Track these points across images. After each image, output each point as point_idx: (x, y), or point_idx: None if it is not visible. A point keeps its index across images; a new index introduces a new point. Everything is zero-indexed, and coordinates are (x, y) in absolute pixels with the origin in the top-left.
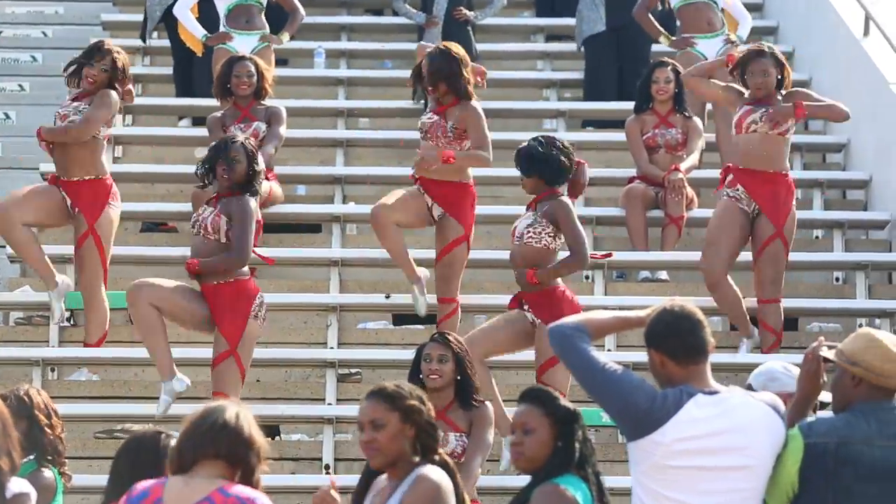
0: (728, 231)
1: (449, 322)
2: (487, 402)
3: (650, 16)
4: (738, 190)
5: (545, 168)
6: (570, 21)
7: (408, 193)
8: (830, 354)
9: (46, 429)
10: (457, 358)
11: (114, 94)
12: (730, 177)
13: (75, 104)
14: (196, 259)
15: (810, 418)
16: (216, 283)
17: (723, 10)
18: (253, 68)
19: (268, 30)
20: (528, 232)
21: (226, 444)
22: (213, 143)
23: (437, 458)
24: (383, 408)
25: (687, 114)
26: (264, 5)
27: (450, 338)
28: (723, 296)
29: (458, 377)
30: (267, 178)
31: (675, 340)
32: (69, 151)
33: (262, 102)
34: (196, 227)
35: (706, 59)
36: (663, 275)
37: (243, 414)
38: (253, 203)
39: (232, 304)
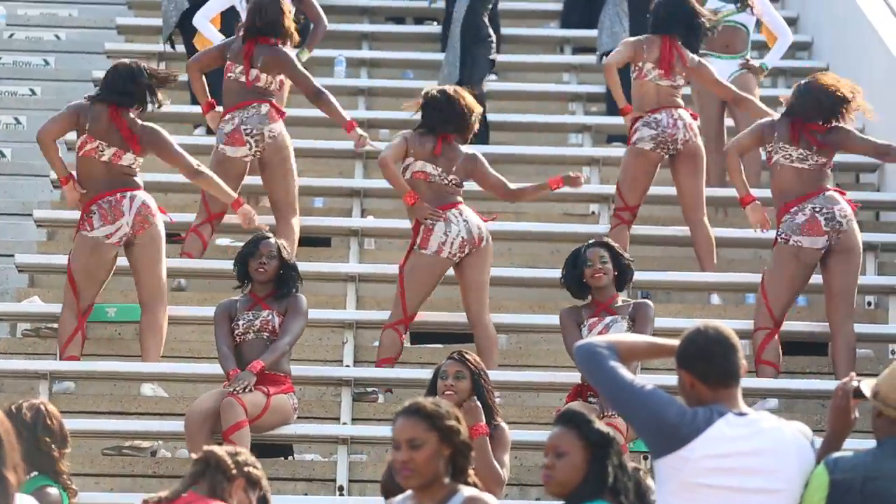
0: None
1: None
2: (503, 424)
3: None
4: None
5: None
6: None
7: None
8: (865, 389)
9: (58, 444)
10: (473, 376)
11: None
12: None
13: None
14: (259, 362)
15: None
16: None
17: (760, 23)
18: None
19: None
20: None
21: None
22: (245, 243)
23: (469, 480)
24: (422, 427)
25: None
26: None
27: (467, 356)
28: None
29: (476, 397)
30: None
31: (705, 363)
32: None
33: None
34: (252, 333)
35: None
36: (714, 299)
37: None
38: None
39: (275, 383)
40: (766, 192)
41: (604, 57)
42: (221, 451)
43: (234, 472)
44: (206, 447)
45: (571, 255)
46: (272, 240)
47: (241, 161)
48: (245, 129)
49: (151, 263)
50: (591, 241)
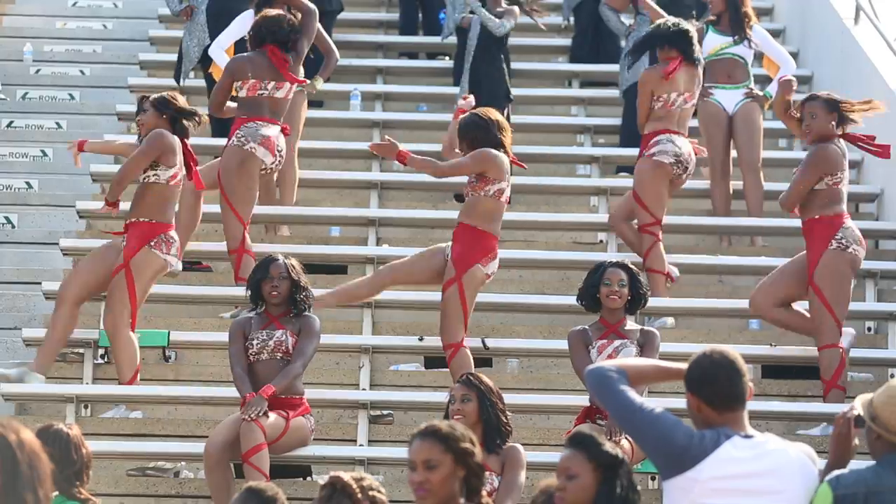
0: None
1: (454, 363)
2: (517, 445)
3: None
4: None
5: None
6: (606, 67)
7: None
8: (862, 410)
9: (86, 465)
10: (480, 397)
11: (159, 134)
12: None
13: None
14: (270, 387)
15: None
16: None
17: (763, 55)
18: None
19: (302, 74)
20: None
21: None
22: (255, 267)
23: (482, 500)
24: (438, 449)
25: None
26: None
27: (473, 378)
28: None
29: (484, 418)
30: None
31: (710, 387)
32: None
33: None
34: (266, 353)
35: (724, 109)
36: (669, 322)
37: None
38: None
39: (292, 406)
40: (779, 222)
41: (626, 93)
42: (347, 476)
43: (360, 496)
44: (332, 473)
45: (592, 269)
46: (281, 261)
47: (259, 166)
48: (279, 146)
49: None
50: (613, 261)
